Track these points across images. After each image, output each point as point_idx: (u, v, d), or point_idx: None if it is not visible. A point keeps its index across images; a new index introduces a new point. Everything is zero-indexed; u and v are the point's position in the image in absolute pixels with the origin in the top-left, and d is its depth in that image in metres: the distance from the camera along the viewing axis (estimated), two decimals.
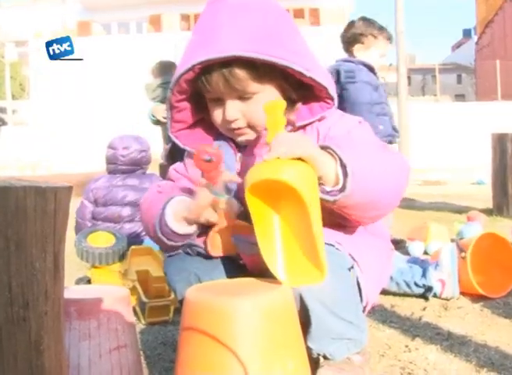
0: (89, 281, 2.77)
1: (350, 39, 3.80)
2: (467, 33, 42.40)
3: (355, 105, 3.64)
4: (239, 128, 1.48)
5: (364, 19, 3.82)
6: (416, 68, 34.11)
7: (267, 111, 1.28)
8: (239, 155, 1.55)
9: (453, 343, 1.92)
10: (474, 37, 35.13)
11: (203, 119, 1.58)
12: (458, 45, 40.52)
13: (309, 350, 1.38)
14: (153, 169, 4.13)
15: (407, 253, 3.41)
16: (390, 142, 3.72)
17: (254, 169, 1.22)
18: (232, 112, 1.45)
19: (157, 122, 4.89)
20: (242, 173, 1.48)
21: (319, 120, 1.51)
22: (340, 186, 1.27)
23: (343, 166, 1.27)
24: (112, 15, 25.12)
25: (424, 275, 2.54)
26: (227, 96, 1.44)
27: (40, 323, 0.81)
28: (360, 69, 3.70)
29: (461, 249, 2.58)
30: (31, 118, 22.89)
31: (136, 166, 3.35)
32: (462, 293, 2.50)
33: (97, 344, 1.41)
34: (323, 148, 1.31)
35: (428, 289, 2.50)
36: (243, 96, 1.44)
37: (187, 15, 22.15)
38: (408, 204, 6.23)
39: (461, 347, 1.88)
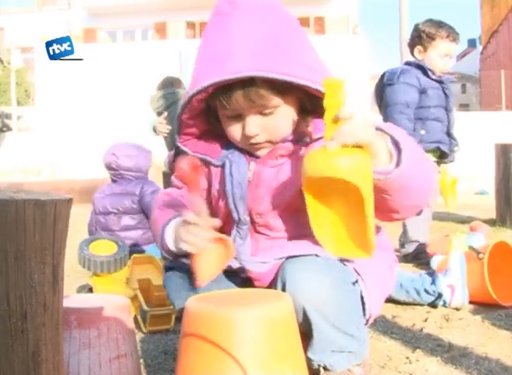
0: (91, 289, 2.77)
1: (411, 42, 3.73)
2: (471, 43, 42.40)
3: (387, 106, 3.61)
4: (257, 143, 1.47)
5: (427, 20, 3.69)
6: None
7: (327, 89, 1.22)
8: (252, 163, 1.52)
9: (454, 355, 1.91)
10: (479, 47, 35.11)
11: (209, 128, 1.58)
12: (463, 55, 40.51)
13: (309, 361, 1.38)
14: (156, 176, 4.14)
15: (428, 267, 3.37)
16: (439, 149, 3.62)
17: (313, 158, 1.19)
18: (253, 128, 1.43)
19: (157, 134, 4.92)
20: (253, 182, 1.49)
21: None
22: (395, 161, 1.23)
23: (395, 143, 1.24)
24: (118, 22, 25.19)
25: (433, 282, 2.56)
26: (247, 112, 1.42)
27: (38, 335, 0.81)
28: (406, 71, 3.62)
29: (478, 251, 2.60)
30: (36, 124, 22.96)
31: (138, 173, 3.36)
32: (470, 301, 2.51)
33: (97, 353, 1.41)
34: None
35: (438, 296, 2.50)
36: (263, 111, 1.42)
37: (193, 23, 22.20)
38: None
39: (462, 359, 1.87)
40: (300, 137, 1.48)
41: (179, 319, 1.28)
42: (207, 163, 1.58)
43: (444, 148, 3.64)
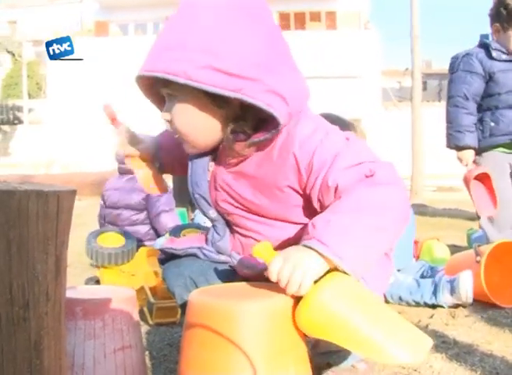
0: (98, 281, 2.78)
1: (492, 15, 3.31)
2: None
3: (447, 100, 3.33)
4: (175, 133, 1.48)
5: None
6: (432, 73, 33.94)
7: (257, 255, 1.27)
8: (211, 163, 1.51)
9: (458, 352, 1.91)
10: None
11: None
12: None
13: (313, 356, 1.39)
14: None
15: None
16: None
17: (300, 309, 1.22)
18: (164, 113, 1.46)
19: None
20: (211, 182, 1.49)
21: (292, 144, 1.35)
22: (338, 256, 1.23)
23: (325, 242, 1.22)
24: (129, 15, 25.23)
25: (435, 294, 2.47)
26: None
27: (40, 324, 0.82)
28: (468, 56, 3.27)
29: (477, 253, 2.55)
30: (47, 117, 23.06)
31: None
32: (476, 299, 2.49)
33: (101, 344, 1.42)
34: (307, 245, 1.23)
35: (439, 306, 2.48)
36: (170, 101, 1.43)
37: None
38: (421, 210, 6.21)
39: (467, 356, 1.86)
40: (232, 138, 1.39)
41: (185, 311, 1.29)
42: None
43: None
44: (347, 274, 1.21)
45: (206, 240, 1.60)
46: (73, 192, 0.89)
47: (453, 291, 2.43)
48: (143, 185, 1.70)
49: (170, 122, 1.43)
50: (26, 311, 0.80)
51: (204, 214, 1.55)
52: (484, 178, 3.24)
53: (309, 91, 1.41)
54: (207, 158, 1.51)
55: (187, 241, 1.63)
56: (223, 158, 1.45)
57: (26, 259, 0.79)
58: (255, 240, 1.48)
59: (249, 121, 1.36)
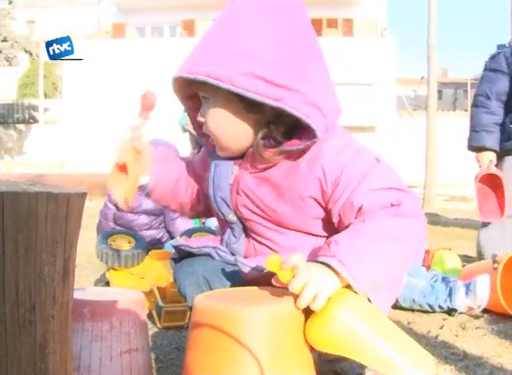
0: (107, 283, 2.79)
1: None
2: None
3: None
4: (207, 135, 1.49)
5: None
6: (448, 82, 33.81)
7: (270, 267, 1.25)
8: (235, 167, 1.50)
9: (468, 364, 1.89)
10: None
11: None
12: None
13: (320, 365, 1.37)
14: None
15: None
16: None
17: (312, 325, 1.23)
18: (199, 115, 1.45)
19: (186, 130, 4.93)
20: (234, 186, 1.48)
21: (322, 156, 1.37)
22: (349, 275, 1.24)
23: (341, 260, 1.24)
24: (146, 18, 25.34)
25: (450, 296, 2.47)
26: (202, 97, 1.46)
27: (46, 327, 0.82)
28: (497, 54, 3.25)
29: (495, 261, 2.54)
30: (62, 117, 23.19)
31: None
32: (487, 310, 2.47)
33: (108, 346, 1.42)
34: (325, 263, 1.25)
35: (453, 310, 2.46)
36: (205, 104, 1.42)
37: None
38: (433, 219, 6.17)
39: (476, 368, 1.84)
40: (263, 145, 1.39)
41: None
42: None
43: None
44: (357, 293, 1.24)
45: (221, 241, 1.59)
46: (83, 195, 0.88)
47: (469, 292, 2.43)
48: (122, 197, 1.52)
49: (203, 124, 1.44)
50: (32, 314, 0.79)
51: (224, 217, 1.53)
52: (495, 182, 3.13)
53: (341, 108, 1.42)
54: (231, 162, 1.50)
55: (202, 241, 1.63)
56: (250, 163, 1.45)
57: (33, 262, 0.78)
58: (270, 248, 1.48)
59: (280, 128, 1.38)
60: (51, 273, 0.81)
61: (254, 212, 1.47)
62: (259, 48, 1.30)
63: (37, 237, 0.78)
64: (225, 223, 1.57)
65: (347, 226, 1.34)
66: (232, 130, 1.41)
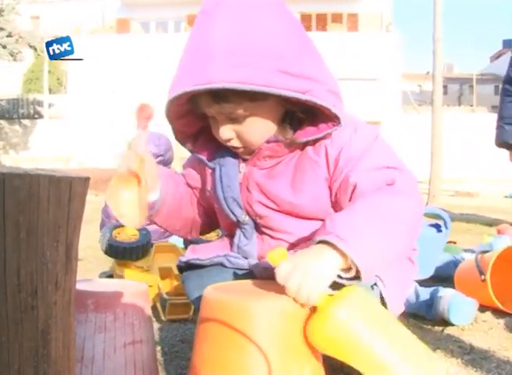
0: (111, 276, 2.78)
1: None
2: (507, 44, 41.72)
3: None
4: (234, 147, 1.43)
5: None
6: (453, 77, 33.72)
7: (272, 261, 1.23)
8: (242, 165, 1.48)
9: (474, 357, 1.88)
10: None
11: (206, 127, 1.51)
12: (497, 56, 39.86)
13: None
14: (179, 169, 4.13)
15: None
16: None
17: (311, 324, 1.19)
18: (226, 132, 1.38)
19: None
20: (244, 184, 1.46)
21: (326, 138, 1.38)
22: (354, 274, 1.23)
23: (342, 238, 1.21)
24: (151, 13, 25.34)
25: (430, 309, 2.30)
26: (218, 116, 1.37)
27: (48, 312, 0.81)
28: None
29: (481, 272, 2.43)
30: (67, 112, 23.23)
31: (160, 157, 3.35)
32: (487, 307, 2.45)
33: (112, 337, 1.41)
34: (323, 241, 1.22)
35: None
36: (233, 117, 1.35)
37: None
38: None
39: (483, 362, 1.83)
40: (283, 138, 1.39)
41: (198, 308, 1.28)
42: (203, 164, 1.55)
43: None
44: (362, 289, 1.20)
45: (231, 245, 1.57)
46: (86, 179, 0.87)
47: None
48: (121, 211, 1.36)
49: (232, 139, 1.39)
50: (34, 299, 0.78)
51: (237, 218, 1.49)
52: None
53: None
54: (236, 161, 1.48)
55: (211, 249, 1.57)
56: (258, 158, 1.43)
57: (35, 246, 0.77)
58: (286, 242, 1.46)
59: (294, 119, 1.39)
60: (53, 258, 0.80)
61: (270, 207, 1.45)
62: (274, 42, 1.26)
63: (38, 220, 0.77)
64: (233, 226, 1.54)
65: (342, 208, 1.35)
66: (267, 131, 1.39)
